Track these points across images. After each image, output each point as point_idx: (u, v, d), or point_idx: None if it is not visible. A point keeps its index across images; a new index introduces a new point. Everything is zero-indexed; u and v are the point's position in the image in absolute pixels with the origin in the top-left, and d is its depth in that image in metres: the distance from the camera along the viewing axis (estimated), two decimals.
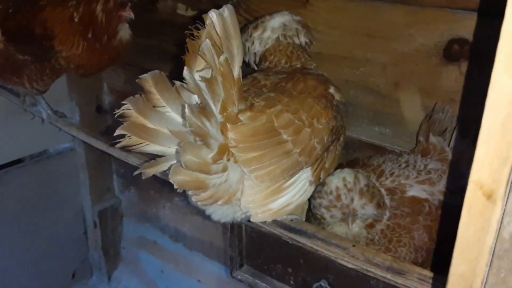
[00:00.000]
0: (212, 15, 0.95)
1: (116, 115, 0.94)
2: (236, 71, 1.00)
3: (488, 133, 0.46)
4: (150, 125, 0.97)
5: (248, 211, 1.10)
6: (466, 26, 1.28)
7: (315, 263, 1.14)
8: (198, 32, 0.96)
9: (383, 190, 1.26)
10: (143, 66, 2.06)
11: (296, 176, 1.13)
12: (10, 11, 1.54)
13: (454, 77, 1.34)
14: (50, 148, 2.29)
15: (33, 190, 2.24)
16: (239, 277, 1.28)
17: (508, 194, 0.48)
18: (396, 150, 1.49)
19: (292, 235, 1.13)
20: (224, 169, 1.02)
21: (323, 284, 1.14)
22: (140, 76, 0.94)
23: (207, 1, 1.77)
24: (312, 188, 1.19)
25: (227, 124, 1.01)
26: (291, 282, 1.20)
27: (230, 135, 1.00)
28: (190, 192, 1.03)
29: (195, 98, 0.99)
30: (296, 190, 1.14)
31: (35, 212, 2.25)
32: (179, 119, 0.98)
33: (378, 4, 1.40)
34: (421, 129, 1.39)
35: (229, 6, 0.96)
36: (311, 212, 1.29)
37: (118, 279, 2.55)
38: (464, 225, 0.50)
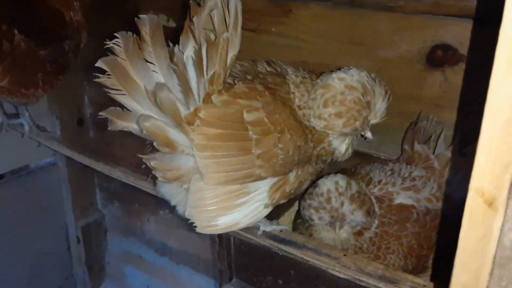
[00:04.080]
0: None
1: (105, 46, 0.91)
2: (230, 57, 0.98)
3: (488, 139, 0.45)
4: (133, 74, 0.93)
5: (193, 219, 1.06)
6: (449, 32, 1.29)
7: (306, 274, 1.12)
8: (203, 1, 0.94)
9: (373, 199, 1.26)
10: None
11: (251, 195, 1.07)
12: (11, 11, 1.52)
13: (438, 83, 1.34)
14: (31, 163, 2.23)
15: (15, 206, 2.18)
16: None
17: (509, 201, 0.47)
18: (382, 157, 1.49)
19: (282, 246, 1.11)
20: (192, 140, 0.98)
21: None
22: (140, 16, 0.91)
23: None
24: (267, 211, 1.13)
25: (209, 99, 0.98)
26: None
27: (200, 113, 0.96)
28: (159, 173, 1.02)
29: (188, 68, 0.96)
30: (249, 210, 1.08)
31: (17, 228, 2.20)
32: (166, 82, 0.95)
33: (361, 11, 1.40)
34: (406, 137, 1.40)
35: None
36: (300, 218, 1.28)
37: None
38: (465, 233, 0.49)
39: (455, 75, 1.31)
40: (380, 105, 1.14)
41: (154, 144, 0.99)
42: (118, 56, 0.91)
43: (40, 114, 2.05)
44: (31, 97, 1.56)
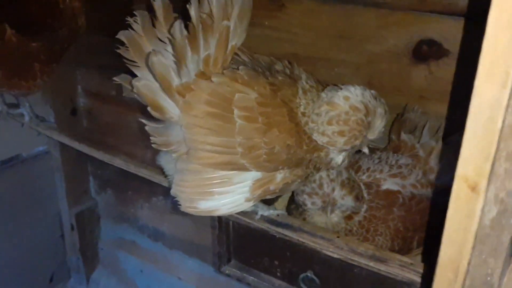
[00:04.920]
0: None
1: (126, 21, 1.03)
2: (231, 45, 1.05)
3: (472, 133, 0.53)
4: (147, 49, 1.03)
5: (176, 197, 1.13)
6: (434, 28, 1.36)
7: (301, 255, 1.20)
8: None
9: (362, 185, 1.34)
10: (119, 68, 2.07)
11: (233, 187, 1.11)
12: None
13: (423, 76, 1.42)
14: (23, 153, 2.26)
15: (8, 196, 2.21)
16: (227, 271, 1.33)
17: (488, 186, 0.55)
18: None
19: (279, 229, 1.19)
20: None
21: (309, 274, 1.20)
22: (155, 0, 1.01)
23: (184, 6, 1.79)
24: (248, 205, 1.15)
25: (201, 76, 1.04)
26: (278, 274, 1.27)
27: (192, 86, 1.03)
28: (151, 138, 1.11)
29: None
30: (229, 200, 1.12)
31: (11, 217, 2.23)
32: (170, 56, 1.04)
33: (351, 7, 1.47)
34: (393, 127, 1.47)
35: None
36: (294, 203, 1.36)
37: (96, 281, 2.55)
38: (451, 213, 0.57)
39: (439, 69, 1.39)
40: (379, 125, 1.18)
41: (147, 108, 1.07)
42: (137, 32, 1.02)
43: (34, 103, 2.08)
44: (32, 88, 1.59)
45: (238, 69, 1.08)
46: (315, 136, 1.13)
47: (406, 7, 1.38)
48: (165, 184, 1.35)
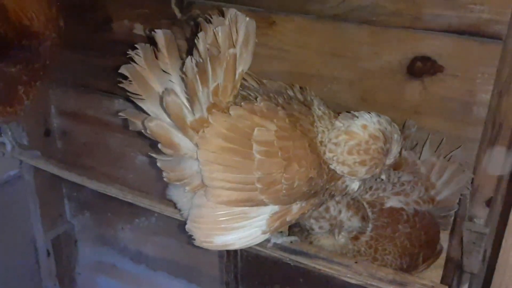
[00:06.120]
0: (234, 12, 1.01)
1: (127, 55, 1.01)
2: (238, 72, 1.03)
3: None
4: (151, 81, 1.01)
5: (191, 233, 1.10)
6: (428, 45, 1.38)
7: (315, 281, 1.19)
8: (211, 18, 1.00)
9: (365, 204, 1.34)
10: (97, 87, 1.99)
11: (250, 221, 1.09)
12: None
13: (418, 91, 1.43)
14: None
15: None
16: None
17: None
18: None
19: (293, 257, 1.17)
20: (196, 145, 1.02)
21: None
22: (156, 30, 0.99)
23: (166, 22, 1.75)
24: (263, 237, 1.13)
25: (213, 108, 1.01)
26: None
27: (209, 120, 1.00)
28: (163, 173, 1.08)
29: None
30: (246, 234, 1.10)
31: None
32: (178, 90, 1.02)
33: (344, 25, 1.46)
34: None
35: (253, 20, 1.04)
36: (298, 227, 1.34)
37: None
38: None
39: (433, 85, 1.41)
40: (395, 150, 1.17)
41: (158, 145, 1.05)
42: (139, 65, 1.00)
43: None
44: (19, 112, 1.51)
45: (255, 99, 1.05)
46: (334, 166, 1.10)
47: (400, 25, 1.39)
48: (167, 213, 1.31)
